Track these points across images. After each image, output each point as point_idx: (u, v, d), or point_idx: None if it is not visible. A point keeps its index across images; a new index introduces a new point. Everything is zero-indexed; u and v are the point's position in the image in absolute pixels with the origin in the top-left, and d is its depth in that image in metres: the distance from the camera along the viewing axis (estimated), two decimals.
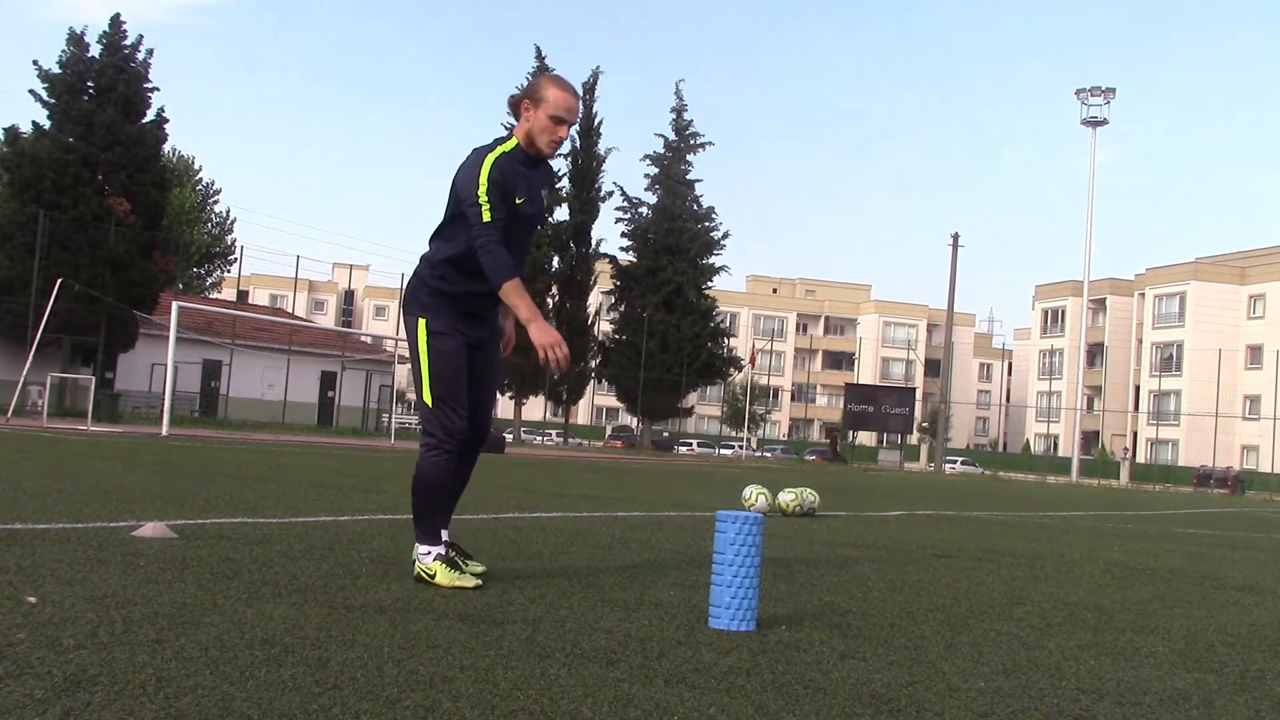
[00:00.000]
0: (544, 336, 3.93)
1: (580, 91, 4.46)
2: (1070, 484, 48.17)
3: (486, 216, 3.94)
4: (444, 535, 4.19)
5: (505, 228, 4.01)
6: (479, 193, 3.95)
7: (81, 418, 26.79)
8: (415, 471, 4.10)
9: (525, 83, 4.16)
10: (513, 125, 4.21)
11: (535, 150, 4.12)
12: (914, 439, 69.81)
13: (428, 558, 4.04)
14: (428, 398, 4.08)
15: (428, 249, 4.21)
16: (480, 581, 4.03)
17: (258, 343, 43.05)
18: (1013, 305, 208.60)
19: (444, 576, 3.98)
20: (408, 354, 4.21)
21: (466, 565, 4.17)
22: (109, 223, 34.59)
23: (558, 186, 51.58)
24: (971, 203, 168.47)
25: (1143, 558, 7.87)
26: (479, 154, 4.06)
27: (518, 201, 4.06)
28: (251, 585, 3.71)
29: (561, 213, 52.43)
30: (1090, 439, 75.99)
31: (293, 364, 43.55)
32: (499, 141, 4.13)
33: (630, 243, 55.72)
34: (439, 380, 4.08)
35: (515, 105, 4.14)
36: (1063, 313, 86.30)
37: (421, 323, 4.12)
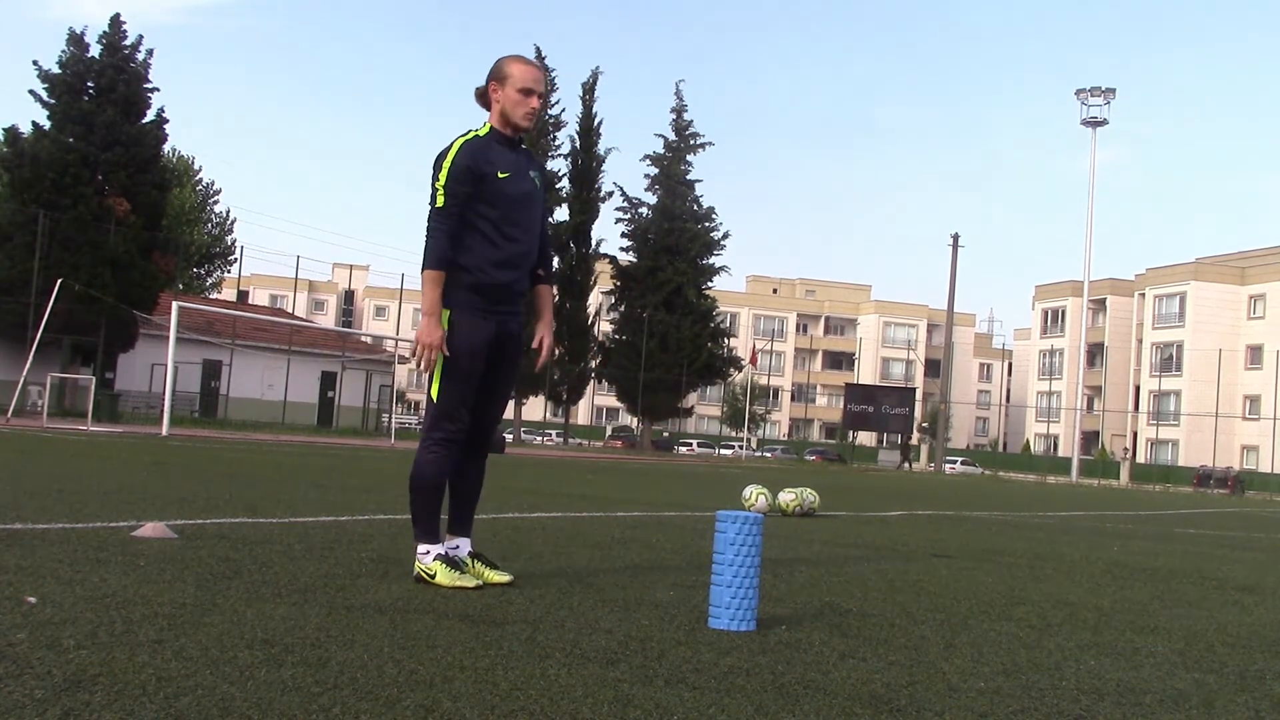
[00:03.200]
0: (425, 335, 3.99)
1: (542, 65, 4.57)
2: (1070, 484, 48.17)
3: (439, 202, 4.00)
4: (468, 545, 4.18)
5: (497, 209, 4.05)
6: (438, 180, 4.02)
7: (81, 418, 26.78)
8: (412, 469, 4.09)
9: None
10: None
11: (512, 128, 4.15)
12: (914, 439, 69.81)
13: (427, 557, 4.03)
14: (434, 392, 4.09)
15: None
16: (480, 581, 4.03)
17: (258, 343, 43.03)
18: (1013, 305, 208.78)
19: (444, 576, 3.98)
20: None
21: (488, 574, 4.12)
22: (109, 223, 34.58)
23: (557, 187, 51.59)
24: (971, 203, 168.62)
25: (1143, 558, 7.87)
26: (449, 143, 4.11)
27: (501, 176, 4.06)
28: (251, 585, 3.71)
29: (561, 213, 52.44)
30: (1090, 439, 75.98)
31: (293, 364, 43.54)
32: (472, 129, 4.17)
33: (630, 243, 55.71)
34: (450, 376, 4.07)
35: (482, 96, 4.18)
36: (1063, 313, 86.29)
37: (446, 314, 4.09)
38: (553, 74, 52.47)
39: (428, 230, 4.01)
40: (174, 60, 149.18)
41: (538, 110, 4.15)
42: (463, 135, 4.12)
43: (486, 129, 4.15)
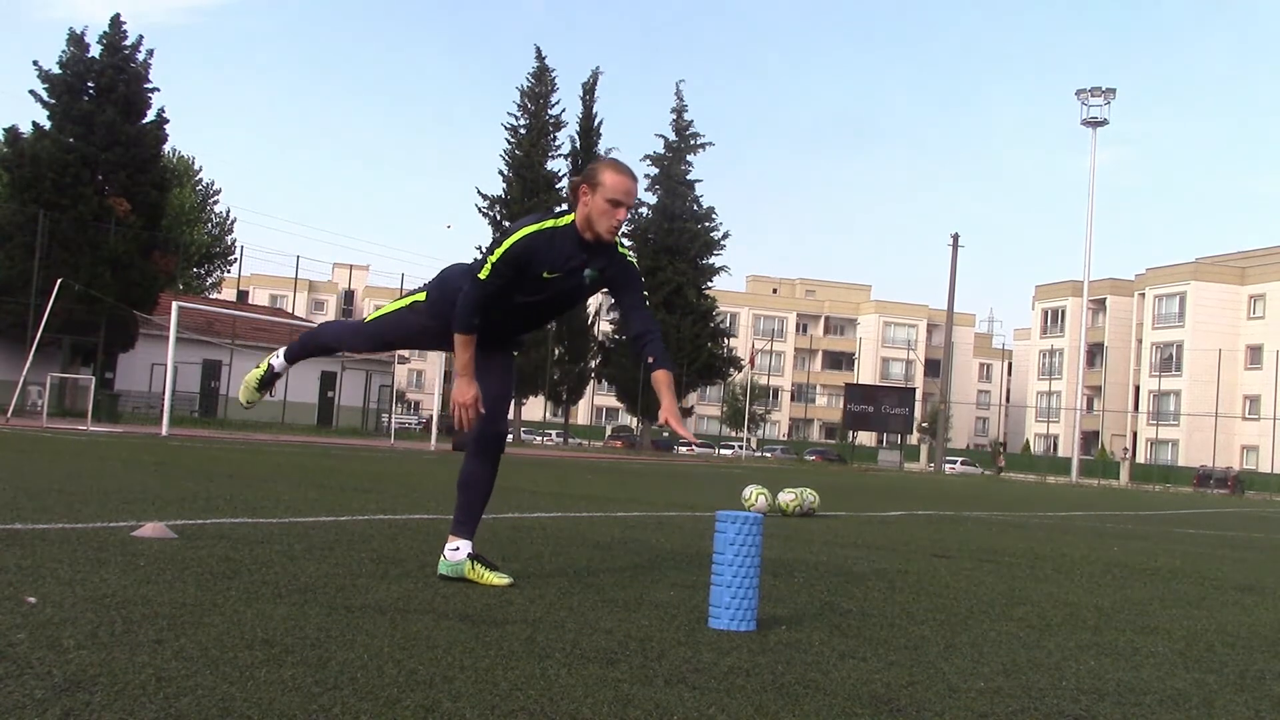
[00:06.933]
0: (459, 394, 4.06)
1: (638, 175, 4.48)
2: (1070, 484, 48.15)
3: (483, 274, 3.97)
4: (469, 547, 4.15)
5: (524, 294, 4.08)
6: (492, 254, 3.98)
7: (81, 418, 26.77)
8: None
9: (585, 168, 4.07)
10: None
11: (594, 235, 4.04)
12: (914, 439, 69.79)
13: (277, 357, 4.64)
14: (388, 309, 4.46)
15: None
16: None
17: (258, 343, 43.00)
18: (1013, 305, 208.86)
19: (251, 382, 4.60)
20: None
21: (488, 576, 4.10)
22: (109, 223, 34.57)
23: (557, 187, 51.54)
24: (971, 203, 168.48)
25: (1143, 558, 7.87)
26: (522, 222, 4.08)
27: (545, 276, 4.04)
28: (251, 585, 3.71)
29: None
30: (1090, 439, 75.98)
31: None
32: (556, 215, 4.09)
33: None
34: (386, 320, 4.44)
35: (574, 190, 4.08)
36: (1063, 313, 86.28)
37: (422, 295, 4.32)
38: (553, 74, 52.55)
39: (464, 293, 3.99)
40: (174, 60, 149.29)
41: (623, 222, 4.05)
42: (536, 223, 4.03)
43: (568, 221, 4.05)
